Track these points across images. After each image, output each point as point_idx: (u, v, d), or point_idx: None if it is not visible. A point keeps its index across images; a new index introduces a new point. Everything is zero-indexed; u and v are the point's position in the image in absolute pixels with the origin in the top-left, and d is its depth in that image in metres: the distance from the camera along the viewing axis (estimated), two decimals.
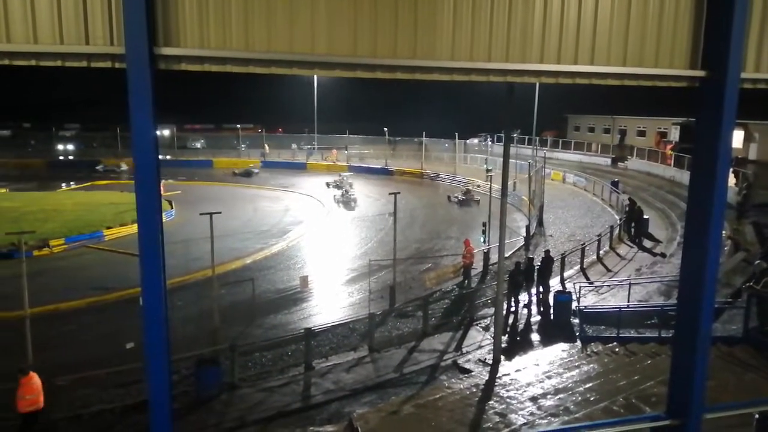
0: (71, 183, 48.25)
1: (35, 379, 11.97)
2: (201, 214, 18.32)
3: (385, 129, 62.67)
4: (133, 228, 29.64)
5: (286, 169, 57.43)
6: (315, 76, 60.55)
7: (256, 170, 53.17)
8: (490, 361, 15.56)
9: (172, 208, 35.71)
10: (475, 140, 66.36)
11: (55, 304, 19.89)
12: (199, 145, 68.82)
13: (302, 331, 16.38)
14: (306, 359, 15.48)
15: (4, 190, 43.94)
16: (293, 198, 43.48)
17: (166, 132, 64.64)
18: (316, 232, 33.10)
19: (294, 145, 65.62)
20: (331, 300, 22.23)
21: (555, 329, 17.79)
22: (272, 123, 79.52)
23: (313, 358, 15.62)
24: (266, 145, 64.02)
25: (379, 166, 56.93)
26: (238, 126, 77.59)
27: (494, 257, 23.43)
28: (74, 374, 13.39)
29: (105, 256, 27.30)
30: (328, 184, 46.09)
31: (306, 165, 59.31)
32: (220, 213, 18.62)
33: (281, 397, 13.83)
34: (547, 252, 21.49)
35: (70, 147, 65.39)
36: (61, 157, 61.48)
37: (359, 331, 17.51)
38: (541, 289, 20.18)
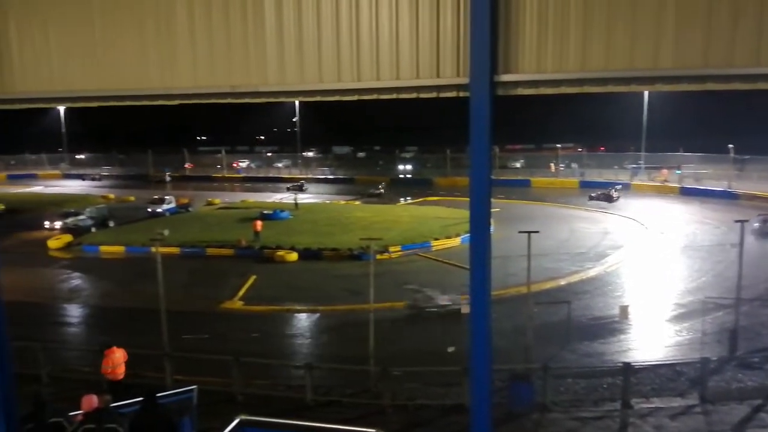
0: (408, 198, 54.77)
1: (116, 353, 13.89)
2: (520, 232, 18.74)
3: (730, 145, 53.91)
4: (456, 241, 32.18)
5: (606, 189, 54.49)
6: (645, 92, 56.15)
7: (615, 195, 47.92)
8: None
9: (491, 224, 37.58)
10: None
11: (390, 302, 22.82)
12: (518, 165, 70.80)
13: (620, 364, 15.31)
14: (623, 396, 14.37)
15: (357, 203, 52.75)
16: (613, 220, 40.99)
17: None
18: (639, 259, 30.49)
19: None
20: (653, 336, 20.16)
21: None
22: (593, 142, 76.74)
23: (631, 396, 14.41)
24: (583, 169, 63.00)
25: (719, 189, 49.47)
26: (558, 146, 77.27)
27: None
28: (404, 367, 15.14)
29: (431, 264, 30.10)
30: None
31: (630, 185, 55.27)
32: (538, 232, 18.76)
33: (595, 431, 13.14)
34: None
35: (409, 167, 74.92)
36: (401, 176, 70.75)
37: (688, 376, 15.44)
38: None
